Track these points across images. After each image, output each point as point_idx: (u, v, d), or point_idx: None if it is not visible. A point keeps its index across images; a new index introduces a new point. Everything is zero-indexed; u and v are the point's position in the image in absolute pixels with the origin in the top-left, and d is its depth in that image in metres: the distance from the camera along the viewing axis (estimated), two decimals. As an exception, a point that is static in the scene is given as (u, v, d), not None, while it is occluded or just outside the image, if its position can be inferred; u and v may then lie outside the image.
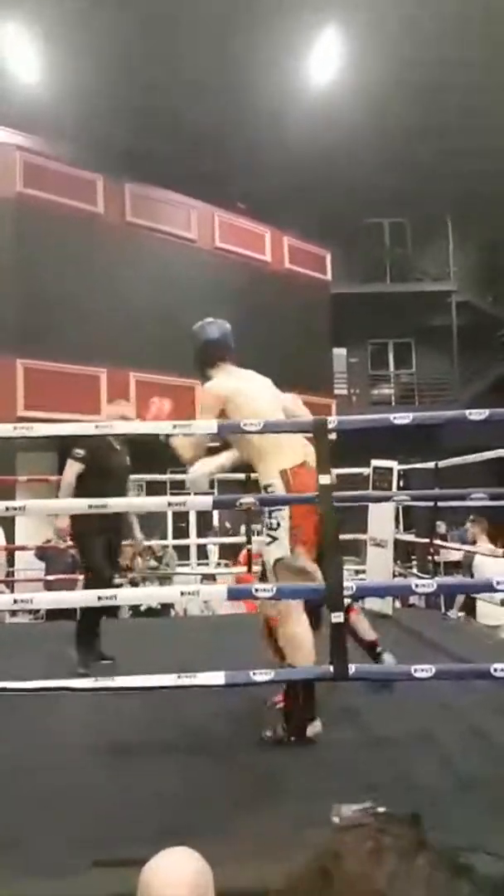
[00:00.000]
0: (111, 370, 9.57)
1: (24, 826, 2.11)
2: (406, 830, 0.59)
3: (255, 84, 10.41)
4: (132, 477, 4.67)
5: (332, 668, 2.51)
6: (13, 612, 6.64)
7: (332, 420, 2.85)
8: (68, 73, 10.01)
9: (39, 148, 9.82)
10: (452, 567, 7.27)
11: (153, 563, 8.46)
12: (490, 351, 14.33)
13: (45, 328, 8.91)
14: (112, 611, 6.27)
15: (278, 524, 2.83)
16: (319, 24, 9.55)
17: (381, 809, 0.64)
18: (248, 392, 3.01)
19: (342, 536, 3.05)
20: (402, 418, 2.72)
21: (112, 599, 3.28)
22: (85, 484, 4.11)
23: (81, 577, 4.94)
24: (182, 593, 3.44)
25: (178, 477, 6.21)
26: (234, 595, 3.74)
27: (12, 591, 6.15)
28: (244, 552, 6.40)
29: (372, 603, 5.16)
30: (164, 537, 10.53)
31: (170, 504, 4.70)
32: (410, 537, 7.65)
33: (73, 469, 4.21)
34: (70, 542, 4.67)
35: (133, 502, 4.90)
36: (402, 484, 5.78)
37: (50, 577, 6.47)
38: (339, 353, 14.60)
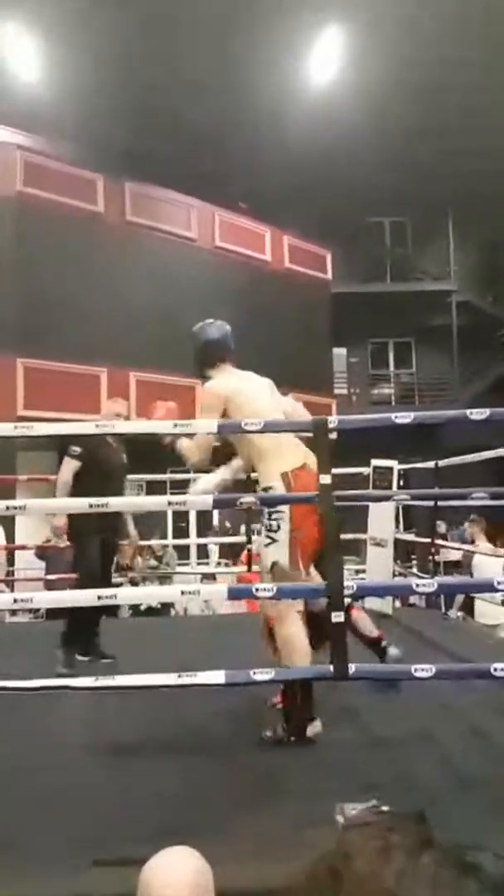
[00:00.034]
0: (111, 370, 9.57)
1: (24, 826, 2.11)
2: (413, 829, 0.59)
3: (255, 84, 10.41)
4: (131, 476, 4.66)
5: (332, 668, 2.51)
6: (13, 612, 6.64)
7: (333, 420, 2.85)
8: (68, 73, 10.01)
9: (40, 147, 9.82)
10: (452, 567, 7.28)
11: (153, 562, 8.47)
12: (490, 351, 14.34)
13: (45, 328, 8.90)
14: (112, 610, 6.26)
15: (278, 526, 2.82)
16: (319, 24, 9.55)
17: (385, 808, 0.64)
18: (248, 392, 3.01)
19: (342, 536, 3.05)
20: (404, 418, 2.73)
21: (112, 599, 3.28)
22: (82, 482, 4.07)
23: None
24: (182, 592, 3.45)
25: (179, 476, 6.22)
26: (234, 594, 3.74)
27: (12, 591, 6.15)
28: (245, 552, 6.40)
29: (372, 602, 5.15)
30: (164, 537, 10.53)
31: (170, 503, 4.67)
32: (410, 537, 7.64)
33: (69, 467, 4.14)
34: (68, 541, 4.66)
35: (133, 501, 4.89)
36: (402, 483, 5.78)
37: (50, 577, 6.46)
38: (340, 352, 14.60)
